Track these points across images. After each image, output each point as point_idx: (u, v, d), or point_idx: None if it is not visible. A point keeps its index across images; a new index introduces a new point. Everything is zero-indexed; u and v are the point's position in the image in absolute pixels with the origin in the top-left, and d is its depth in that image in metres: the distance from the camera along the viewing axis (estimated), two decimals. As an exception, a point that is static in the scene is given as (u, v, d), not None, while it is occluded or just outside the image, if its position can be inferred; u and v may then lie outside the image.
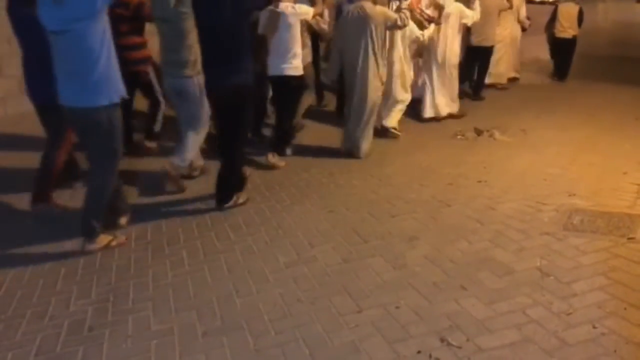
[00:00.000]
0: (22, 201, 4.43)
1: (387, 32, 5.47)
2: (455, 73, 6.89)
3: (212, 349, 2.81)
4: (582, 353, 2.62)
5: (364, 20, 5.20)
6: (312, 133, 6.38)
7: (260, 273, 3.50)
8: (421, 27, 6.16)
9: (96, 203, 3.76)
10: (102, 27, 3.38)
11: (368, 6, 5.23)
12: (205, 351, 2.80)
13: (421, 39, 6.13)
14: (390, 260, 3.56)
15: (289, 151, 5.59)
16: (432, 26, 6.33)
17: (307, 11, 5.17)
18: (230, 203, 4.41)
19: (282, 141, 5.49)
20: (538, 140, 5.99)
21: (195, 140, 4.74)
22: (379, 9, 5.33)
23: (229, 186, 4.41)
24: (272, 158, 5.28)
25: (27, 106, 4.43)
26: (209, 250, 3.83)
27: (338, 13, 5.93)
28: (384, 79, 5.54)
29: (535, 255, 3.51)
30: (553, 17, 9.14)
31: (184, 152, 4.71)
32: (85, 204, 3.78)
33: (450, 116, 6.89)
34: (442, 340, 2.77)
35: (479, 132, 6.33)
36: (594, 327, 2.79)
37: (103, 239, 3.84)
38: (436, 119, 6.82)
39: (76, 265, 3.70)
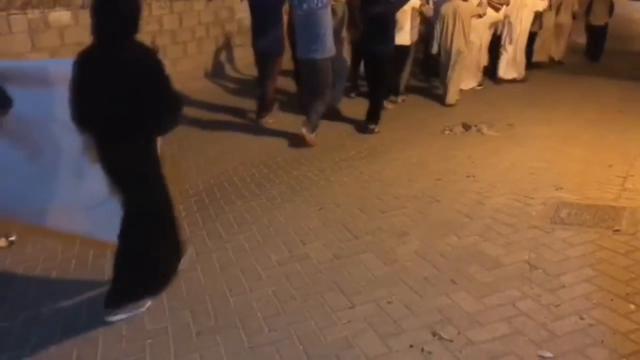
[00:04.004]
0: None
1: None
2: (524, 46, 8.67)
3: (207, 348, 2.83)
4: (570, 344, 2.68)
5: (454, 13, 7.21)
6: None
7: (253, 271, 3.52)
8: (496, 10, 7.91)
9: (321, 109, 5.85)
10: (329, 12, 5.60)
11: (459, 4, 7.20)
12: (199, 350, 2.83)
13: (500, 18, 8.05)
14: (381, 256, 3.60)
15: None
16: (504, 8, 7.96)
17: (416, 2, 6.88)
18: (374, 126, 6.23)
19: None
20: (525, 134, 6.06)
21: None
22: (466, 6, 7.24)
23: (375, 105, 6.29)
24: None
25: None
26: (201, 249, 3.84)
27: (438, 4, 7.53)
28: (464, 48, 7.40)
29: (523, 248, 3.57)
30: (589, 8, 10.43)
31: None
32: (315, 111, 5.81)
33: (514, 80, 8.62)
34: (434, 334, 2.81)
35: (466, 127, 6.38)
36: (582, 318, 2.85)
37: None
38: (503, 79, 8.58)
39: (68, 266, 3.71)
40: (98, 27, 2.83)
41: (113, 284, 3.13)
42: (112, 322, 3.06)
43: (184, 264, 3.48)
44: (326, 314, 3.03)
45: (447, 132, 6.30)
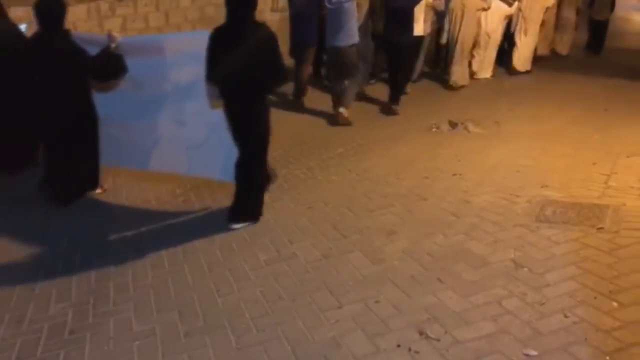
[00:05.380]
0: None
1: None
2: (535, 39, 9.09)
3: (195, 349, 2.84)
4: (555, 342, 2.71)
5: (462, 7, 7.98)
6: (293, 126, 6.42)
7: (241, 271, 3.53)
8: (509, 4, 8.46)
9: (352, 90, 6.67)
10: (355, 5, 6.24)
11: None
12: (187, 351, 2.83)
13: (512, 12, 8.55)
14: (369, 254, 3.62)
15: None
16: (516, 4, 8.48)
17: None
18: (396, 107, 6.98)
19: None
20: (511, 132, 6.10)
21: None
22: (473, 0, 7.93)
23: (398, 89, 7.14)
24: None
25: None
26: (188, 248, 3.84)
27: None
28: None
29: (509, 246, 3.60)
30: (591, 2, 10.77)
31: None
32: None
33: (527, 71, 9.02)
34: (421, 333, 2.84)
35: (453, 125, 6.42)
36: (566, 316, 2.89)
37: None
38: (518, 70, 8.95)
39: (55, 266, 3.68)
40: (229, 9, 3.74)
41: (234, 204, 4.10)
42: (234, 229, 4.02)
43: (273, 190, 4.46)
44: (314, 314, 3.05)
45: (434, 129, 6.34)
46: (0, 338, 3.02)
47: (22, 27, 4.96)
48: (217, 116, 3.99)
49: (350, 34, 6.30)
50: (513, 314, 2.94)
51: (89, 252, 3.86)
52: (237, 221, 4.07)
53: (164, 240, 3.96)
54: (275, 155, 5.41)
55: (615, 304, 2.97)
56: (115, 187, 4.90)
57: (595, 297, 3.03)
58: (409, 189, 4.60)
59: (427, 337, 2.80)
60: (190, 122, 4.23)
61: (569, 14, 10.17)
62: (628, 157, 5.09)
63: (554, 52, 10.30)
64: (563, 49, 10.39)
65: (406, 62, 7.24)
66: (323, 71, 7.64)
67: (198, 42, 3.84)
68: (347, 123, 6.51)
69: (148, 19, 7.70)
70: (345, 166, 5.23)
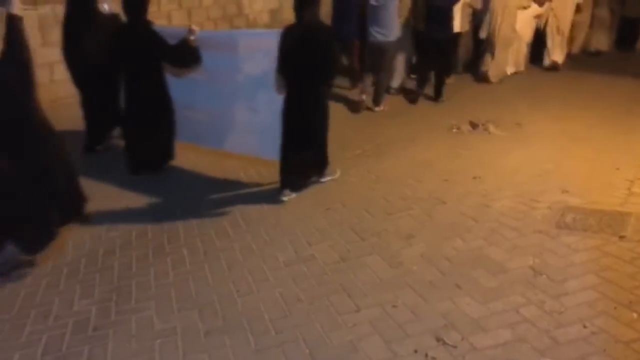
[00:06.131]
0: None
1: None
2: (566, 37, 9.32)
3: (215, 349, 2.89)
4: (573, 352, 2.71)
5: (503, 5, 8.20)
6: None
7: (260, 272, 3.57)
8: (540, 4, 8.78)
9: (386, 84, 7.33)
10: (397, 2, 6.74)
11: None
12: (208, 351, 2.89)
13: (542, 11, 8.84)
14: (387, 258, 3.64)
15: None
16: (547, 4, 8.77)
17: None
18: (441, 99, 7.45)
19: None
20: (532, 133, 6.04)
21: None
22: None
23: (438, 89, 7.50)
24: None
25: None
26: (209, 248, 3.90)
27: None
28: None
29: (528, 253, 3.59)
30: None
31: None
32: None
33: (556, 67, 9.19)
34: (438, 339, 2.86)
35: (474, 126, 6.38)
36: (585, 327, 2.88)
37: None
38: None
39: (78, 264, 3.77)
40: (296, 11, 4.41)
41: (281, 179, 4.65)
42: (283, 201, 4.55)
43: (329, 178, 4.92)
44: (332, 317, 3.08)
45: (454, 130, 6.30)
46: (27, 333, 3.11)
47: (105, 6, 5.51)
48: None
49: (392, 31, 6.79)
50: (531, 322, 2.94)
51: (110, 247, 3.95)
52: (285, 193, 4.64)
53: (184, 238, 4.04)
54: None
55: (635, 315, 2.96)
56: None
57: (615, 308, 3.02)
58: (428, 192, 4.60)
59: (444, 343, 2.82)
60: (262, 109, 4.76)
61: (603, 13, 10.19)
62: (653, 162, 5.03)
63: (587, 51, 10.37)
64: (596, 47, 10.41)
65: (446, 57, 7.71)
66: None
67: (268, 40, 4.45)
68: (366, 108, 7.07)
69: (171, 16, 7.79)
70: (364, 166, 5.24)
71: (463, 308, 3.09)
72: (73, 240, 4.05)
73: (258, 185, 4.95)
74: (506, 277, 3.36)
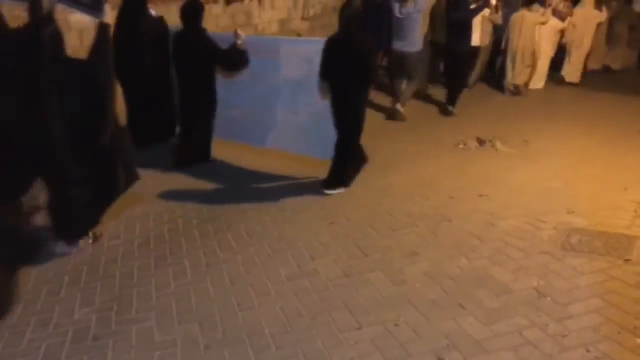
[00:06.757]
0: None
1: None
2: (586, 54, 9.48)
3: (215, 363, 2.87)
4: (576, 377, 2.68)
5: (521, 20, 8.51)
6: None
7: (262, 285, 3.55)
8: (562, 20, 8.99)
9: (411, 90, 7.66)
10: (421, 15, 7.09)
11: (525, 14, 8.54)
12: (207, 365, 2.87)
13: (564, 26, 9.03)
14: (390, 275, 3.61)
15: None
16: (568, 19, 8.96)
17: (486, 11, 7.83)
18: (452, 108, 7.62)
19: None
20: (539, 151, 6.01)
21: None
22: (532, 15, 8.50)
23: (452, 99, 7.73)
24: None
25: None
26: (211, 260, 3.89)
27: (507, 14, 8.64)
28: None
29: (533, 274, 3.56)
30: None
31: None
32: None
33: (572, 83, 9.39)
34: (440, 360, 2.83)
35: (481, 142, 6.36)
36: (588, 351, 2.85)
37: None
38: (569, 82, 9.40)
39: (80, 272, 3.77)
40: (341, 21, 4.82)
41: (330, 175, 5.01)
42: (327, 194, 4.92)
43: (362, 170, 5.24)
44: (333, 334, 3.06)
45: (461, 146, 6.28)
46: (27, 340, 3.11)
47: (152, 12, 6.00)
48: (322, 107, 4.99)
49: (416, 42, 7.17)
50: (534, 344, 2.91)
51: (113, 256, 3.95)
52: (332, 188, 4.97)
53: (186, 249, 4.03)
54: (299, 168, 5.50)
55: (639, 340, 2.92)
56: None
57: (619, 332, 2.98)
58: (434, 209, 4.58)
59: (446, 364, 2.79)
60: (301, 111, 5.22)
61: (621, 30, 10.26)
62: (661, 184, 4.99)
63: (606, 67, 10.44)
64: (615, 64, 10.47)
65: (463, 68, 7.98)
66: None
67: (309, 48, 4.98)
68: (402, 119, 7.30)
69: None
70: (369, 181, 5.22)
71: (466, 328, 3.06)
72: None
73: (259, 198, 4.94)
74: (510, 298, 3.33)
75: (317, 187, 5.06)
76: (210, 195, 4.97)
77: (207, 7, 8.00)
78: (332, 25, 9.14)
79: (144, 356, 2.96)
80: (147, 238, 4.21)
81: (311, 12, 9.18)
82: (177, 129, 5.90)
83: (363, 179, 5.25)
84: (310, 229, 4.29)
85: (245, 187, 5.14)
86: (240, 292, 3.49)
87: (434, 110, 7.83)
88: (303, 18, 9.19)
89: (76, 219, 3.96)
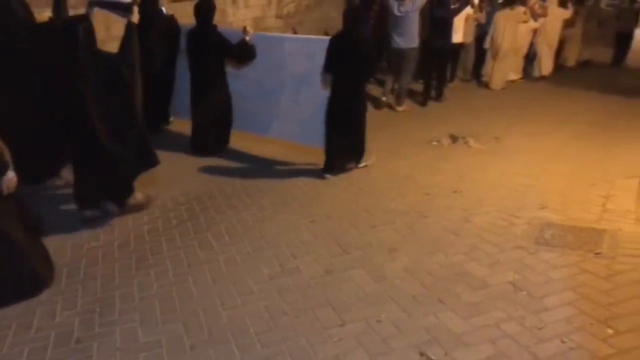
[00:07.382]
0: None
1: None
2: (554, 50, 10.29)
3: (201, 363, 2.89)
4: (552, 367, 2.79)
5: (505, 19, 9.04)
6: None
7: (245, 284, 3.58)
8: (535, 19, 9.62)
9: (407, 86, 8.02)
10: (418, 14, 7.44)
11: (509, 12, 9.07)
12: (194, 365, 2.88)
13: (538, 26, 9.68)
14: (371, 272, 3.68)
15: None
16: (541, 19, 9.61)
17: (470, 10, 8.51)
18: (443, 97, 8.40)
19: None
20: (510, 148, 6.19)
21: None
22: (514, 14, 9.08)
23: (439, 92, 8.44)
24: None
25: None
26: (192, 260, 3.89)
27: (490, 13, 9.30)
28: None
29: (508, 269, 3.68)
30: (618, 15, 11.54)
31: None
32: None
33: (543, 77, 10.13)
34: (422, 354, 2.91)
35: (454, 139, 6.50)
36: (563, 342, 2.97)
37: None
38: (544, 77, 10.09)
39: (60, 274, 3.72)
40: (344, 21, 5.27)
41: (326, 161, 5.38)
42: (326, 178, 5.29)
43: (365, 164, 5.57)
44: (317, 331, 3.11)
45: (434, 143, 6.41)
46: (9, 345, 3.07)
47: (163, 9, 6.37)
48: (322, 98, 5.33)
49: (413, 38, 7.56)
50: (512, 337, 3.02)
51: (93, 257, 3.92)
52: (330, 172, 5.34)
53: (167, 249, 4.03)
54: (276, 167, 5.55)
55: (610, 330, 3.05)
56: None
57: (591, 324, 3.11)
58: (410, 205, 4.67)
59: (428, 358, 2.87)
60: (303, 102, 5.61)
61: (592, 27, 11.09)
62: (626, 178, 5.19)
63: (585, 62, 11.31)
64: (589, 56, 11.38)
65: (444, 64, 8.59)
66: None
67: (313, 46, 5.34)
68: (387, 106, 7.93)
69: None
70: (347, 179, 5.29)
71: (446, 323, 3.15)
72: (54, 250, 4.00)
73: (238, 196, 4.97)
74: (487, 292, 3.43)
75: (296, 185, 5.11)
76: (188, 194, 4.96)
77: (182, 5, 8.00)
78: (306, 22, 9.24)
79: (129, 358, 2.96)
80: (126, 239, 4.18)
81: (285, 10, 9.19)
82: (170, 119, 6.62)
83: (340, 176, 5.31)
84: (290, 227, 4.33)
85: (223, 185, 5.15)
86: (223, 291, 3.51)
87: (407, 110, 7.94)
88: (277, 16, 9.19)
89: (122, 181, 4.41)
